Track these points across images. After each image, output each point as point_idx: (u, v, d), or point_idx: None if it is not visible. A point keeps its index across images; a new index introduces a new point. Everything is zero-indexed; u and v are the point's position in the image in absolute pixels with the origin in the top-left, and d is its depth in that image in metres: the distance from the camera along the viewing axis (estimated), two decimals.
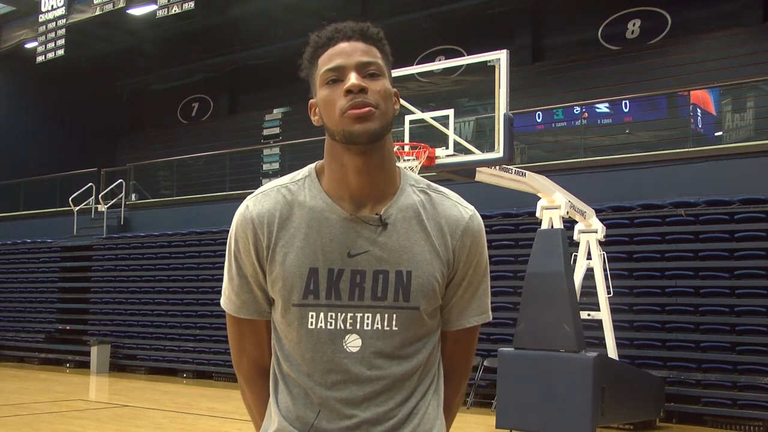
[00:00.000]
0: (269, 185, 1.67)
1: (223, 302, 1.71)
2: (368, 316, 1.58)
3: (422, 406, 1.63)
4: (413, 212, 1.63)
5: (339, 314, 1.59)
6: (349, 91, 1.54)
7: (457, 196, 1.70)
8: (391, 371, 1.58)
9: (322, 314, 1.59)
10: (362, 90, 1.55)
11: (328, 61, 1.59)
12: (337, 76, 1.57)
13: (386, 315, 1.59)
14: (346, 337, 1.58)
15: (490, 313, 1.74)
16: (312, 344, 1.59)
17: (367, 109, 1.54)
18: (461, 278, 1.66)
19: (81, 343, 16.22)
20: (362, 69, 1.57)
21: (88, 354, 15.49)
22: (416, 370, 1.62)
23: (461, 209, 1.67)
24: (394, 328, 1.59)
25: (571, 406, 7.51)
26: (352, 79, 1.55)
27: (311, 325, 1.59)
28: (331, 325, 1.58)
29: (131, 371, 15.36)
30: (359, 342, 1.58)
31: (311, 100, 1.65)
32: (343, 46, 1.58)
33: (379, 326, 1.59)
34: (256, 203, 1.64)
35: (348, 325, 1.58)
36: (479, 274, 1.68)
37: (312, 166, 1.68)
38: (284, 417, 1.62)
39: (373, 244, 1.59)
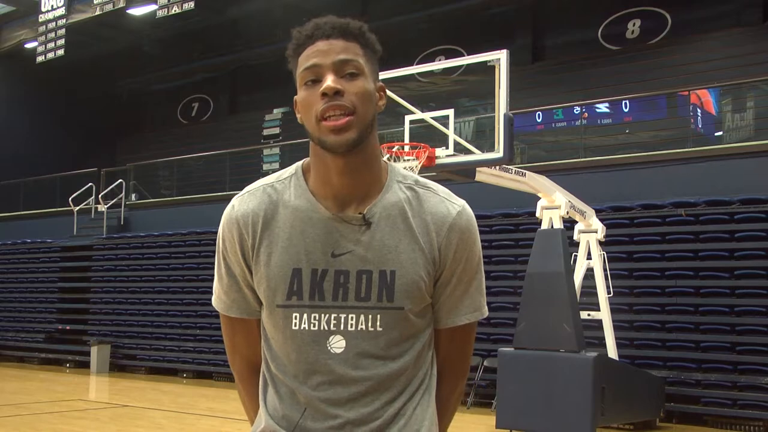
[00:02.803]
0: (255, 184, 1.66)
1: (214, 301, 1.73)
2: (352, 317, 1.57)
3: (410, 407, 1.61)
4: (398, 210, 1.60)
5: (322, 315, 1.57)
6: (324, 94, 1.52)
7: (447, 191, 1.66)
8: (376, 372, 1.57)
9: (305, 315, 1.57)
10: (338, 93, 1.52)
11: (305, 60, 1.55)
12: (314, 76, 1.54)
13: (370, 315, 1.57)
14: (330, 338, 1.57)
15: (485, 309, 1.70)
16: (296, 345, 1.58)
17: (344, 120, 1.51)
18: (450, 276, 1.63)
19: (81, 343, 16.22)
20: (340, 69, 1.53)
21: (88, 354, 15.49)
22: (404, 371, 1.60)
23: (449, 205, 1.62)
24: (378, 328, 1.57)
25: (571, 406, 7.50)
26: (328, 81, 1.52)
27: (295, 326, 1.58)
28: (314, 326, 1.57)
29: (131, 371, 15.36)
30: (343, 343, 1.57)
31: (295, 97, 1.63)
32: (321, 45, 1.54)
33: (364, 327, 1.57)
34: (242, 203, 1.63)
35: (332, 326, 1.57)
36: (470, 272, 1.64)
37: (299, 164, 1.66)
38: (271, 416, 1.62)
39: (356, 243, 1.57)
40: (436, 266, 1.61)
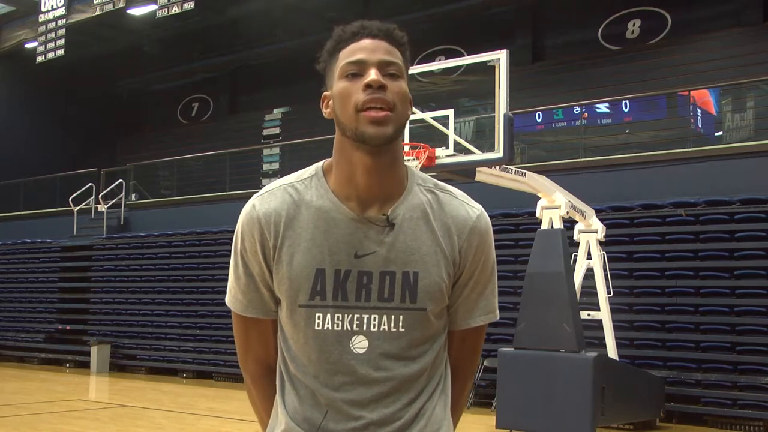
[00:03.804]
0: (275, 184, 1.66)
1: (229, 301, 1.70)
2: (375, 318, 1.58)
3: (429, 407, 1.63)
4: (420, 212, 1.62)
5: (346, 315, 1.58)
6: (368, 86, 1.54)
7: (465, 195, 1.69)
8: (398, 372, 1.58)
9: (328, 315, 1.58)
10: (381, 87, 1.54)
11: (350, 54, 1.58)
12: (357, 70, 1.56)
13: (393, 316, 1.58)
14: (353, 338, 1.58)
15: (498, 312, 1.73)
16: (318, 345, 1.58)
17: (384, 114, 1.54)
18: (468, 278, 1.65)
19: (81, 343, 16.22)
20: (383, 67, 1.56)
21: (88, 354, 15.49)
22: (424, 371, 1.61)
23: (468, 209, 1.66)
24: (400, 329, 1.59)
25: (571, 406, 7.50)
26: (373, 74, 1.54)
27: (318, 326, 1.58)
28: (337, 326, 1.58)
29: (131, 371, 15.36)
30: (366, 343, 1.58)
31: (325, 93, 1.64)
32: (367, 42, 1.58)
33: (386, 327, 1.58)
34: (263, 202, 1.63)
35: (355, 326, 1.58)
36: (486, 274, 1.68)
37: (319, 164, 1.67)
38: (291, 418, 1.61)
39: (380, 244, 1.58)
40: (455, 268, 1.63)
